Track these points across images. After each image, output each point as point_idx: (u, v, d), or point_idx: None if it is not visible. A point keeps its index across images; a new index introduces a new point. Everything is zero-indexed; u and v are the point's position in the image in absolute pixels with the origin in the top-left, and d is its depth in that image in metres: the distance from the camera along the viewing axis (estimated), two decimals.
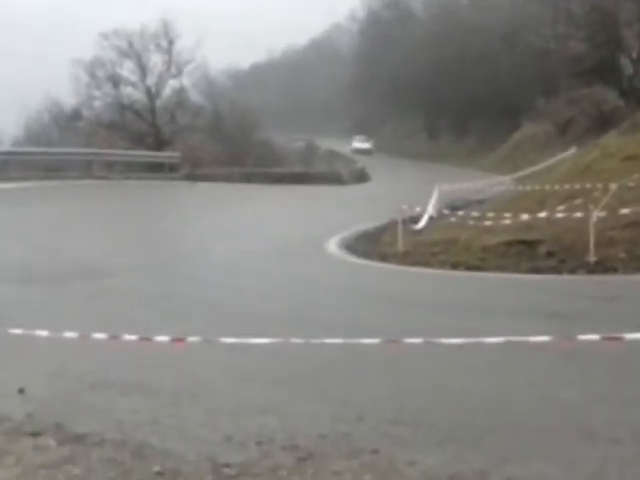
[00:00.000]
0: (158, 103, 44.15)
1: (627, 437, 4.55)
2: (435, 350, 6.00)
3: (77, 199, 25.47)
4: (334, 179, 36.15)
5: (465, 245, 13.91)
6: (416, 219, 17.99)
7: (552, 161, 33.26)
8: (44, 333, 6.50)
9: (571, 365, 6.05)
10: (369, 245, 15.75)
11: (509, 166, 37.68)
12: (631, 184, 15.40)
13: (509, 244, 13.27)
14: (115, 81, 44.02)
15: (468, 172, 38.17)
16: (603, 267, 11.73)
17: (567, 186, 17.75)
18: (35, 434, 4.85)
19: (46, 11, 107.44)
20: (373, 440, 4.61)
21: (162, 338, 5.99)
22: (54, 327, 6.65)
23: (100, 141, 39.47)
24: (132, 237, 16.80)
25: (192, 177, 33.61)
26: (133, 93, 44.55)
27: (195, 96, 48.91)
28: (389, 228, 16.75)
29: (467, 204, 21.85)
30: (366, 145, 64.42)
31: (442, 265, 12.87)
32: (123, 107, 44.07)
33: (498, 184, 27.48)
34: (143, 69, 44.15)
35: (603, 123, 33.81)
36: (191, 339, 5.99)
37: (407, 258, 13.76)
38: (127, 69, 44.25)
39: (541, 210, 15.21)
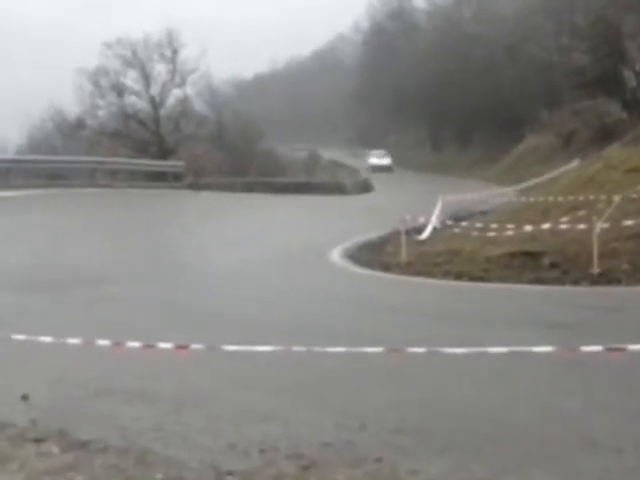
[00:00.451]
0: (162, 112, 44.30)
1: (629, 447, 4.54)
2: (437, 360, 6.01)
3: (80, 207, 25.53)
4: (337, 189, 35.83)
5: (468, 256, 13.89)
6: (419, 230, 17.94)
7: (555, 173, 33.24)
8: (47, 340, 6.50)
9: (574, 375, 6.05)
10: (372, 255, 15.70)
11: (512, 177, 37.61)
12: (634, 196, 15.42)
13: (512, 255, 13.26)
14: (119, 90, 44.16)
15: (471, 183, 38.23)
16: (606, 278, 11.72)
17: (570, 198, 17.76)
18: (38, 440, 4.86)
19: (47, 20, 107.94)
20: (376, 449, 4.61)
21: (165, 345, 5.98)
22: (55, 334, 6.64)
23: (104, 150, 39.51)
24: (134, 245, 16.82)
25: (195, 186, 33.66)
26: (137, 102, 44.78)
27: (199, 105, 49.15)
28: (392, 238, 16.73)
29: (471, 215, 21.83)
30: (385, 161, 55.63)
31: (445, 275, 12.85)
32: (127, 116, 44.17)
33: (501, 195, 27.50)
34: (147, 78, 44.31)
35: (606, 135, 33.78)
36: (194, 347, 5.98)
37: (410, 268, 13.73)
38: (131, 78, 44.52)
39: (544, 221, 15.19)
